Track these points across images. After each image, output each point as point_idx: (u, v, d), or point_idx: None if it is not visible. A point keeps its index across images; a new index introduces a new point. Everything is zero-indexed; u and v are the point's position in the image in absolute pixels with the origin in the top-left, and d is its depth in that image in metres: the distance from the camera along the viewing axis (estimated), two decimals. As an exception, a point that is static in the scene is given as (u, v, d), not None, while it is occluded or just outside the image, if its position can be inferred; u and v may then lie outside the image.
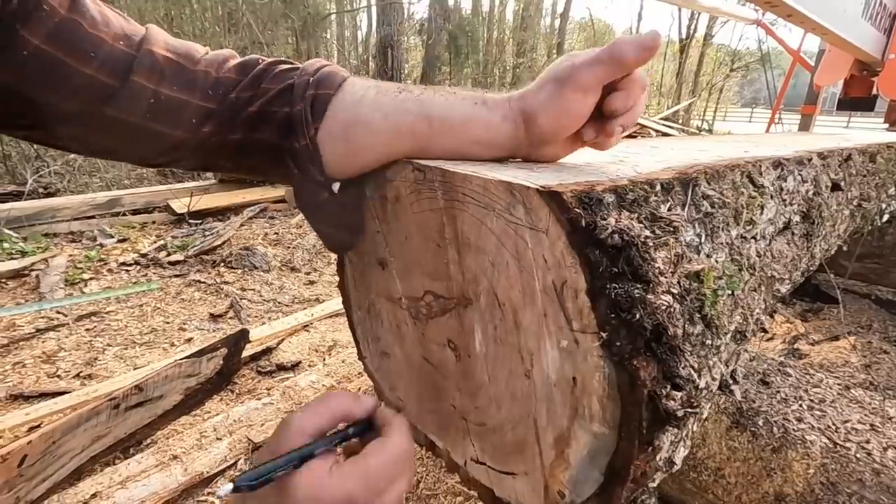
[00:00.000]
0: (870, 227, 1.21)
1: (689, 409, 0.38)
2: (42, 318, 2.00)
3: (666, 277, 0.38)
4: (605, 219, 0.37)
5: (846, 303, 1.98)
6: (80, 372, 1.67)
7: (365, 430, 0.40)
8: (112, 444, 1.19)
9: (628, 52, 0.44)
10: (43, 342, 1.84)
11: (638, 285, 0.36)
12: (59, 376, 1.65)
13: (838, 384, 0.83)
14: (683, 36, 13.27)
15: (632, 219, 0.38)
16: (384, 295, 0.63)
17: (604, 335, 0.37)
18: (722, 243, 0.49)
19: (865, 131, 2.05)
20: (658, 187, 0.43)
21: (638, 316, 0.36)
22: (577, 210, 0.36)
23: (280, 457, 0.35)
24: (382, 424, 0.40)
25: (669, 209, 0.43)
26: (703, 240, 0.46)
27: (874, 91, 2.48)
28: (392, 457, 0.36)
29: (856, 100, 2.62)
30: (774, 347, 1.66)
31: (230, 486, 0.33)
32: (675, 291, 0.38)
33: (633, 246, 0.37)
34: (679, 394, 0.38)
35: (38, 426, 1.29)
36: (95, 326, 1.98)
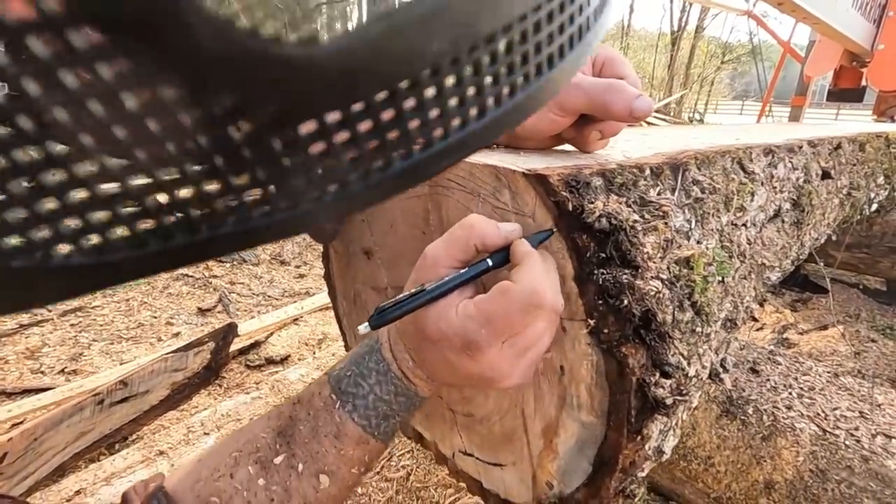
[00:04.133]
0: (858, 217, 1.22)
1: (679, 397, 0.37)
2: (25, 313, 1.96)
3: (655, 263, 0.37)
4: (592, 202, 0.36)
5: (834, 292, 2.00)
6: (65, 367, 1.64)
7: (503, 261, 0.36)
8: (97, 440, 1.17)
9: (619, 107, 0.42)
10: (26, 338, 1.81)
11: (626, 270, 0.35)
12: (42, 372, 1.62)
13: (827, 372, 0.83)
14: (675, 28, 13.28)
15: (620, 203, 0.37)
16: (370, 284, 0.61)
17: (592, 322, 0.36)
18: (712, 229, 0.48)
19: (854, 123, 2.06)
20: (647, 172, 0.42)
21: (626, 302, 0.35)
22: (564, 193, 0.35)
23: (414, 294, 0.35)
24: (513, 263, 0.35)
25: (659, 194, 0.42)
26: (692, 225, 0.45)
27: (863, 82, 2.49)
28: (516, 303, 0.33)
29: (845, 91, 2.62)
30: (764, 337, 1.67)
31: (366, 325, 0.35)
32: (664, 277, 0.37)
33: (621, 230, 0.35)
34: (668, 381, 0.37)
35: (21, 423, 1.27)
36: (81, 321, 1.95)
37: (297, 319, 1.97)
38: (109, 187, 0.12)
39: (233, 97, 0.12)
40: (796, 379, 0.79)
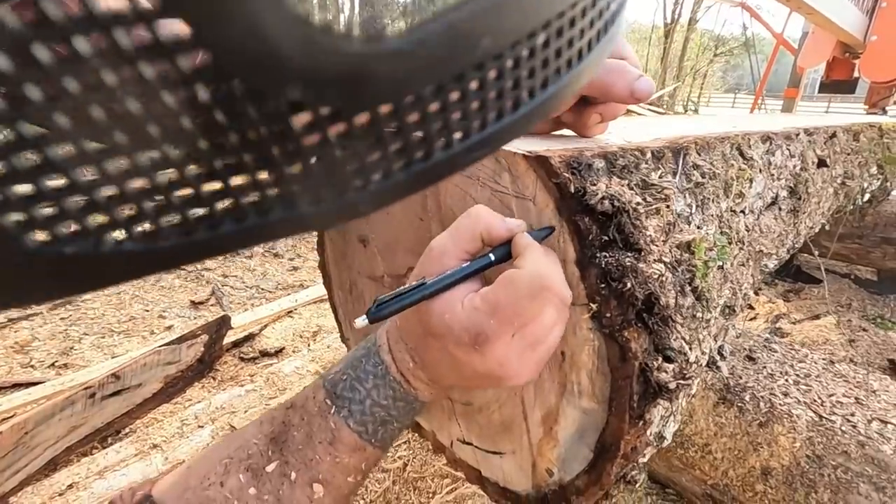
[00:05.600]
0: (851, 207, 1.22)
1: (682, 382, 0.37)
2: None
3: (657, 246, 0.37)
4: (594, 184, 0.35)
5: (827, 282, 2.01)
6: (56, 361, 1.62)
7: (505, 256, 0.36)
8: (89, 433, 1.16)
9: (619, 88, 0.41)
10: (15, 332, 1.78)
11: (629, 253, 0.35)
12: (32, 366, 1.59)
13: (823, 360, 0.83)
14: (668, 21, 13.25)
15: (622, 185, 0.37)
16: (366, 273, 0.61)
17: (593, 306, 0.36)
18: (712, 215, 0.48)
19: (845, 115, 2.07)
20: (649, 155, 0.42)
21: (629, 285, 0.34)
22: (566, 175, 0.34)
23: (414, 287, 0.34)
24: (515, 255, 0.35)
25: (660, 177, 0.41)
26: (693, 210, 0.45)
27: (855, 73, 2.50)
28: (522, 292, 0.32)
29: (837, 82, 2.64)
30: (757, 327, 1.68)
31: (364, 318, 0.34)
32: (667, 260, 0.37)
33: (623, 212, 0.35)
34: (671, 366, 0.36)
35: (12, 417, 1.25)
36: (71, 315, 1.92)
37: (291, 312, 1.96)
38: (167, 175, 0.12)
39: (301, 91, 0.12)
40: (792, 366, 0.79)
